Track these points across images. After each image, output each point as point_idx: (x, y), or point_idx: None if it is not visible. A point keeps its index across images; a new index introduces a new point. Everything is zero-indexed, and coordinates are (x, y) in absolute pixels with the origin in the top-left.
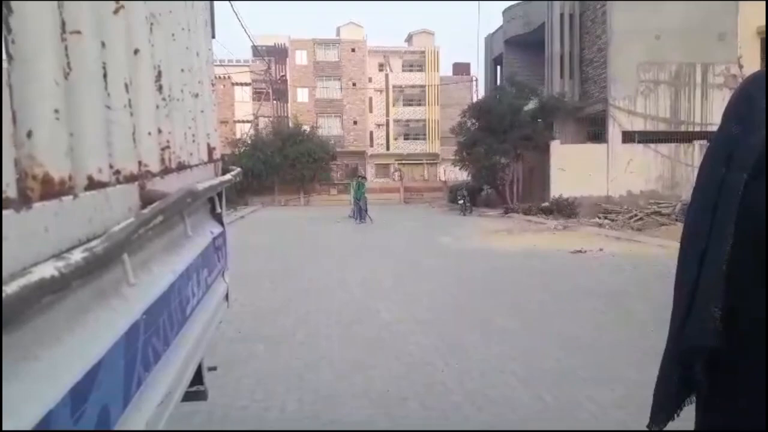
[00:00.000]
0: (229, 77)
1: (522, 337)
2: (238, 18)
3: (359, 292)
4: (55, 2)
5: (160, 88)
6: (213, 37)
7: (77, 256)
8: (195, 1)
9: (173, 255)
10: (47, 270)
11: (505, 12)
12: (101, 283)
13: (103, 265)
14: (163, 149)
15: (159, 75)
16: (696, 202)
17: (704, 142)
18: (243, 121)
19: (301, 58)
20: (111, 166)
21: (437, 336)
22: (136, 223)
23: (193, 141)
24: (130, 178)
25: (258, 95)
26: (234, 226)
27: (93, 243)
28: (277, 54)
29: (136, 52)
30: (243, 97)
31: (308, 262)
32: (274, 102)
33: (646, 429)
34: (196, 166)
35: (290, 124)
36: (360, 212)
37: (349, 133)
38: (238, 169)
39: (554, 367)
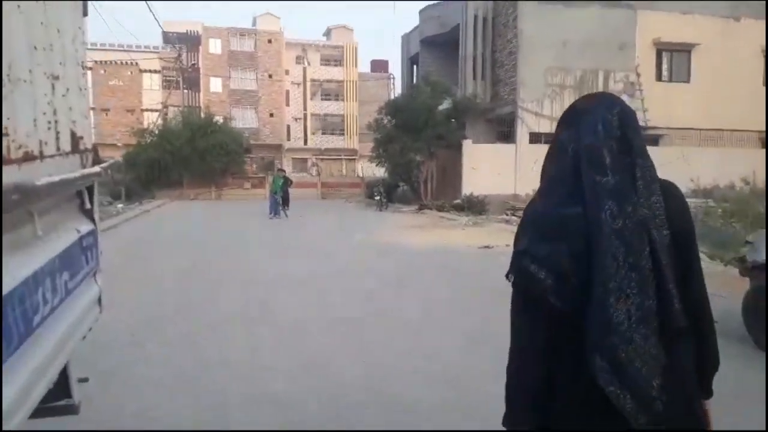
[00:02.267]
0: (136, 64)
1: (428, 334)
2: (146, 1)
3: (267, 290)
4: None
5: None
6: (85, 14)
7: None
8: None
9: (17, 258)
10: None
11: (421, 12)
12: None
13: None
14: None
15: None
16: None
17: None
18: (151, 110)
19: (215, 46)
20: None
21: (343, 334)
22: None
23: (49, 128)
24: None
25: (168, 84)
26: (138, 221)
27: None
28: (190, 41)
29: None
30: (152, 85)
31: (215, 260)
32: (185, 91)
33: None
34: (51, 157)
35: (202, 115)
36: (275, 206)
37: (265, 126)
38: (113, 160)
39: (458, 364)
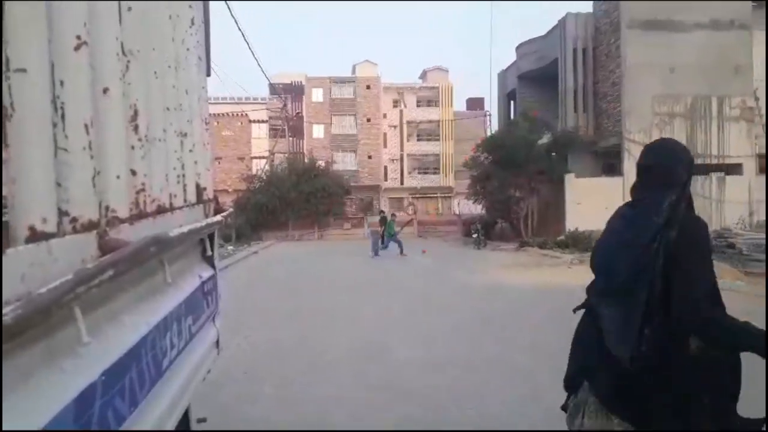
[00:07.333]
0: (246, 115)
1: (540, 378)
2: (254, 57)
3: (372, 329)
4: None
5: (135, 128)
6: (208, 75)
7: None
8: (187, 37)
9: (150, 305)
10: None
11: (518, 48)
12: (51, 343)
13: (19, 333)
14: (138, 192)
15: (135, 114)
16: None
17: (721, 174)
18: (259, 157)
19: (317, 95)
20: (67, 213)
21: (452, 377)
22: (72, 281)
23: (178, 182)
24: (89, 226)
25: (274, 132)
26: (248, 262)
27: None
28: (294, 91)
29: (105, 90)
30: (260, 133)
31: (320, 298)
32: (290, 138)
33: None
34: (180, 208)
35: (305, 160)
36: (388, 244)
37: (363, 168)
38: (231, 210)
39: None
